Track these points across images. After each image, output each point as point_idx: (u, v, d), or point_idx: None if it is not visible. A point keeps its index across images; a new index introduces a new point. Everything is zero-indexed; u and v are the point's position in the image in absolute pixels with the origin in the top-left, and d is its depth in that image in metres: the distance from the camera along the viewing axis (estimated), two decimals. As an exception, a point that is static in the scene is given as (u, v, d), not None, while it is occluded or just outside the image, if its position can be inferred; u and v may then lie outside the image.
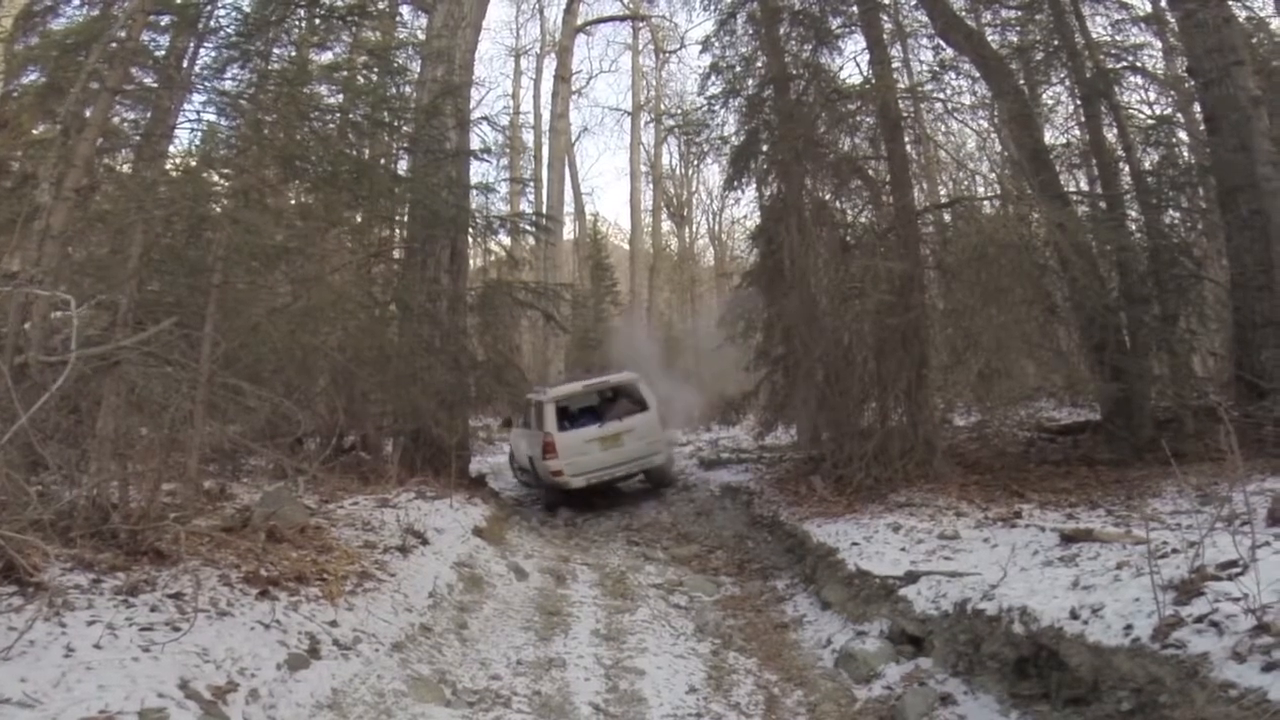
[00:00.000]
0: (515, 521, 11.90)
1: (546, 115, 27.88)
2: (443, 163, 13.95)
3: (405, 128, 14.09)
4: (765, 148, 14.88)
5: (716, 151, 17.72)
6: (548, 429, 12.02)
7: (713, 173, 42.41)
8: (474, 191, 14.14)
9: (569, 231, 33.39)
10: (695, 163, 33.54)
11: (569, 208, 31.73)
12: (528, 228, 14.89)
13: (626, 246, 34.02)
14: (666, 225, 34.80)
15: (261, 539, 6.69)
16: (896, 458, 10.05)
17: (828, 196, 14.02)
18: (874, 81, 12.04)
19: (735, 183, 16.21)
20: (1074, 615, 4.66)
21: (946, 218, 12.43)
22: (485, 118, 14.19)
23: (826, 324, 12.11)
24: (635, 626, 7.15)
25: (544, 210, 26.01)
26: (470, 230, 14.40)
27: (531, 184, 27.49)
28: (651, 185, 32.60)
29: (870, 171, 13.36)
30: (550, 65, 28.86)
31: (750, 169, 15.71)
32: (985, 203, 12.57)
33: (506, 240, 15.41)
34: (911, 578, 6.60)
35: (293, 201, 12.09)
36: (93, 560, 5.20)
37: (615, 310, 31.45)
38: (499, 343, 15.06)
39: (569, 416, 12.34)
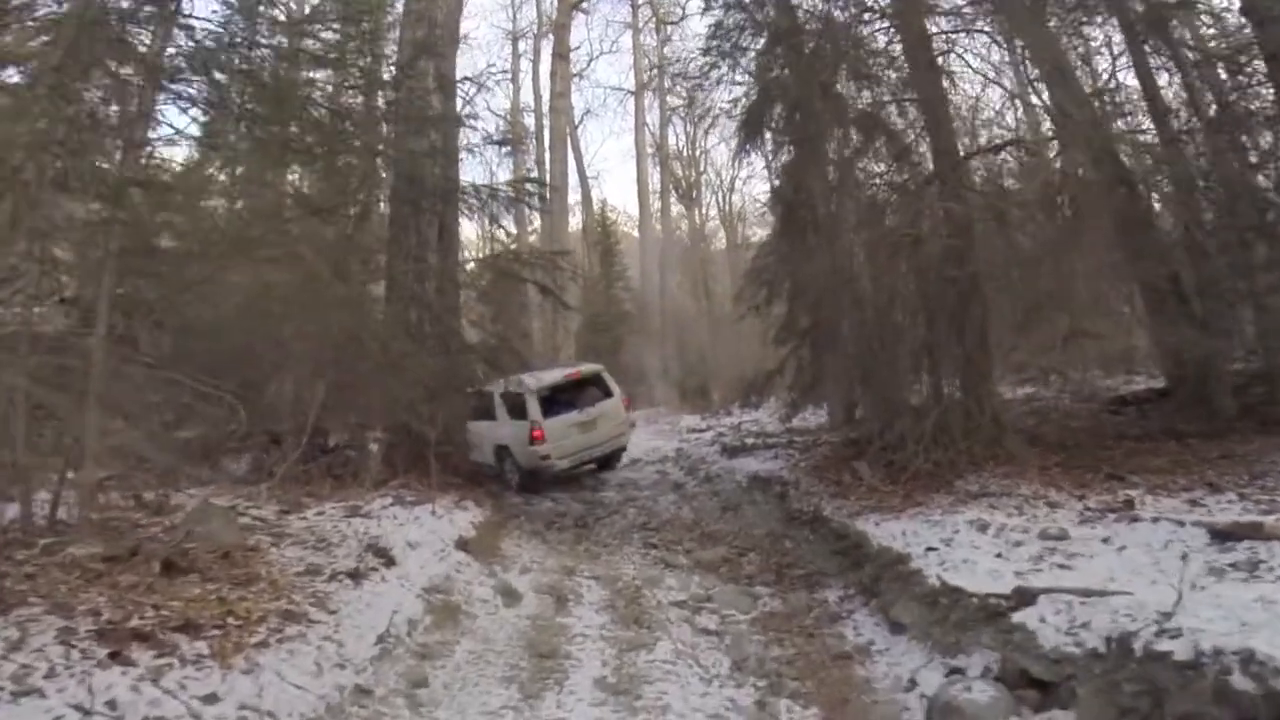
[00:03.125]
0: (515, 526, 10.07)
1: (547, 97, 26.03)
2: (425, 129, 12.12)
3: (381, 93, 12.35)
4: (779, 107, 13.17)
5: (726, 116, 16.23)
6: (534, 417, 12.15)
7: (720, 153, 40.57)
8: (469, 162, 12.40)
9: (575, 219, 31.65)
10: (702, 142, 31.87)
11: (575, 194, 29.97)
12: (527, 198, 12.92)
13: (636, 233, 32.19)
14: (676, 209, 32.98)
15: (155, 570, 4.89)
16: (960, 438, 8.18)
17: (849, 154, 12.39)
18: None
19: (748, 146, 14.62)
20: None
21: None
22: (469, 78, 12.26)
23: (863, 288, 10.32)
24: (653, 670, 5.30)
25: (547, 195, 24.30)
26: (462, 203, 12.52)
27: (534, 168, 25.78)
28: (658, 166, 30.65)
29: (897, 125, 11.63)
30: (548, 46, 27.01)
31: (764, 131, 14.09)
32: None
33: (503, 218, 13.46)
34: (1025, 597, 4.73)
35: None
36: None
37: (626, 295, 29.66)
38: (499, 324, 13.47)
39: (548, 405, 12.41)
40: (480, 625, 5.96)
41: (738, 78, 14.18)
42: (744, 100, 14.17)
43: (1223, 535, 5.09)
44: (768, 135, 14.38)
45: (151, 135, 9.64)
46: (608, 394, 13.24)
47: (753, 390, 13.85)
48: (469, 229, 14.38)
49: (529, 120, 28.47)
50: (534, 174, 23.78)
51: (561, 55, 24.78)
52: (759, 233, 30.69)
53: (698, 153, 32.67)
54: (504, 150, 17.98)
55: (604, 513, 11.05)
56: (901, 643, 5.57)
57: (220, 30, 9.77)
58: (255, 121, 10.15)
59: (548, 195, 14.87)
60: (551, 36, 26.15)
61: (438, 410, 10.10)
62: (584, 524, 10.54)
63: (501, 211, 13.22)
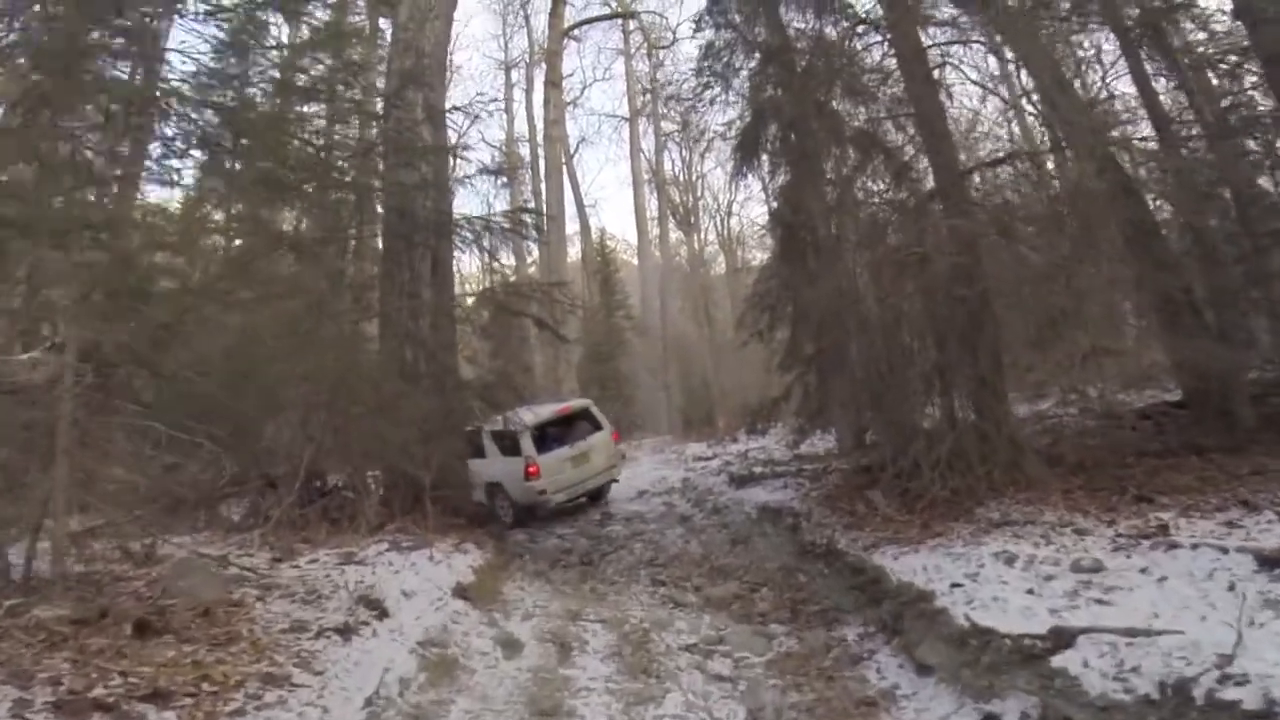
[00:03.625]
0: (518, 567, 9.68)
1: (541, 126, 25.77)
2: (415, 161, 11.87)
3: (372, 125, 12.13)
4: (774, 127, 12.98)
5: (721, 139, 16.08)
6: (528, 453, 12.20)
7: (717, 177, 40.46)
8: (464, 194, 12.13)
9: (574, 249, 31.42)
10: (699, 166, 31.71)
11: (573, 224, 29.79)
12: (523, 229, 12.58)
13: (635, 261, 31.91)
14: (675, 235, 32.69)
15: (126, 633, 4.54)
16: (977, 462, 7.80)
17: (847, 173, 12.20)
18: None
19: (744, 169, 14.40)
20: None
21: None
22: (458, 107, 12.08)
23: (868, 310, 10.02)
24: (664, 726, 4.93)
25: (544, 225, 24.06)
26: (456, 236, 12.24)
27: (530, 198, 25.60)
28: (655, 192, 30.47)
29: (894, 142, 11.44)
30: (541, 75, 26.80)
31: (759, 153, 13.90)
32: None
33: (500, 251, 13.16)
34: (1063, 638, 4.37)
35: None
36: None
37: (628, 324, 29.36)
38: (499, 359, 13.24)
39: (540, 441, 12.50)
40: (478, 681, 5.56)
41: (731, 99, 14.03)
42: (738, 123, 14.02)
43: (1272, 562, 4.71)
44: (764, 157, 14.19)
45: (143, 175, 9.73)
46: (597, 427, 13.40)
47: (759, 417, 13.49)
48: (467, 263, 14.07)
49: (524, 150, 28.43)
50: (530, 204, 23.56)
51: (554, 83, 24.64)
52: (759, 256, 30.63)
53: (694, 177, 32.50)
54: (499, 181, 17.85)
55: (610, 548, 10.67)
56: (929, 686, 5.19)
57: (210, 66, 9.73)
58: (247, 158, 10.03)
59: (544, 225, 14.57)
60: (544, 65, 26.00)
61: (433, 451, 9.74)
62: (589, 561, 10.16)
63: (497, 244, 12.95)
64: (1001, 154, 11.24)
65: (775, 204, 14.27)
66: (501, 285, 12.43)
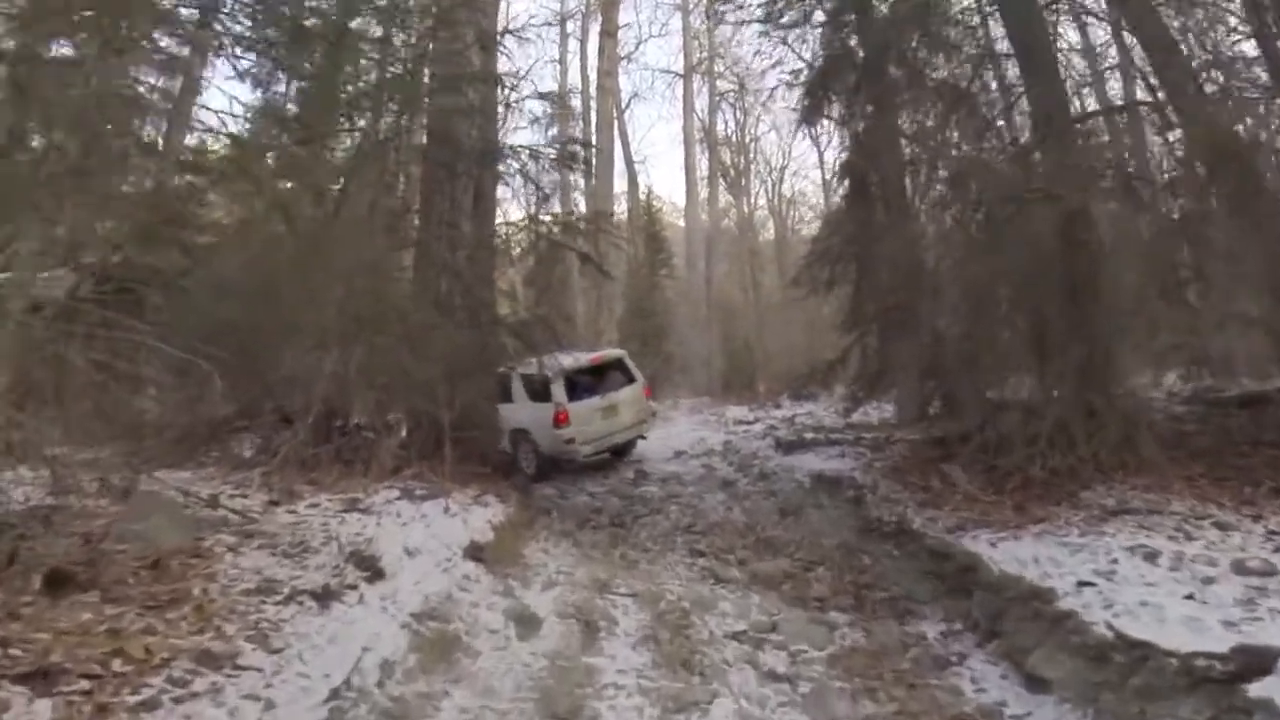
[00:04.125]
0: (544, 525, 8.58)
1: (594, 77, 24.34)
2: (461, 86, 10.69)
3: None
4: (849, 75, 11.93)
5: (787, 86, 14.78)
6: (559, 400, 11.25)
7: (770, 141, 38.92)
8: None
9: (621, 207, 30.18)
10: (753, 129, 30.35)
11: (621, 180, 28.52)
12: (571, 162, 11.31)
13: (682, 223, 30.54)
14: (725, 198, 31.24)
15: (34, 586, 3.47)
16: (1082, 441, 6.52)
17: (931, 123, 11.03)
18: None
19: (811, 117, 13.13)
20: None
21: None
22: (509, 30, 10.76)
23: (947, 268, 8.80)
24: (712, 742, 3.79)
25: (594, 177, 22.82)
26: (501, 166, 11.05)
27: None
28: (706, 152, 29.01)
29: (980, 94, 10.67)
30: (596, 28, 25.36)
31: (828, 101, 12.60)
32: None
33: (546, 185, 11.92)
34: (1257, 660, 3.20)
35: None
36: None
37: (671, 283, 28.25)
38: (543, 301, 12.84)
39: (571, 389, 11.56)
40: (482, 668, 4.43)
41: (802, 42, 12.94)
42: (806, 72, 12.86)
43: None
44: (833, 106, 12.98)
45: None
46: (630, 380, 12.51)
47: (812, 381, 12.26)
48: (513, 211, 12.90)
49: (576, 103, 27.09)
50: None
51: (609, 33, 23.17)
52: (810, 225, 29.52)
53: (748, 140, 31.01)
54: (549, 119, 16.59)
55: (644, 510, 9.54)
56: (1047, 706, 4.07)
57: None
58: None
59: (593, 159, 13.28)
60: (599, 16, 24.57)
61: (459, 390, 8.66)
62: (621, 523, 9.05)
63: (543, 175, 11.74)
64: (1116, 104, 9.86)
65: (849, 153, 13.00)
66: (546, 215, 11.10)
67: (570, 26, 28.21)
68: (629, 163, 28.88)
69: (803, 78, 12.89)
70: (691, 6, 28.06)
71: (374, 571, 4.91)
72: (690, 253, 27.98)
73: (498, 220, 11.45)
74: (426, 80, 10.99)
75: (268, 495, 6.87)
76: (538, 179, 11.25)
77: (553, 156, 10.78)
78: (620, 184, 28.41)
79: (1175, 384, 9.56)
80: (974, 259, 7.82)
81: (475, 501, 7.42)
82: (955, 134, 10.54)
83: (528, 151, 10.92)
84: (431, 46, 10.88)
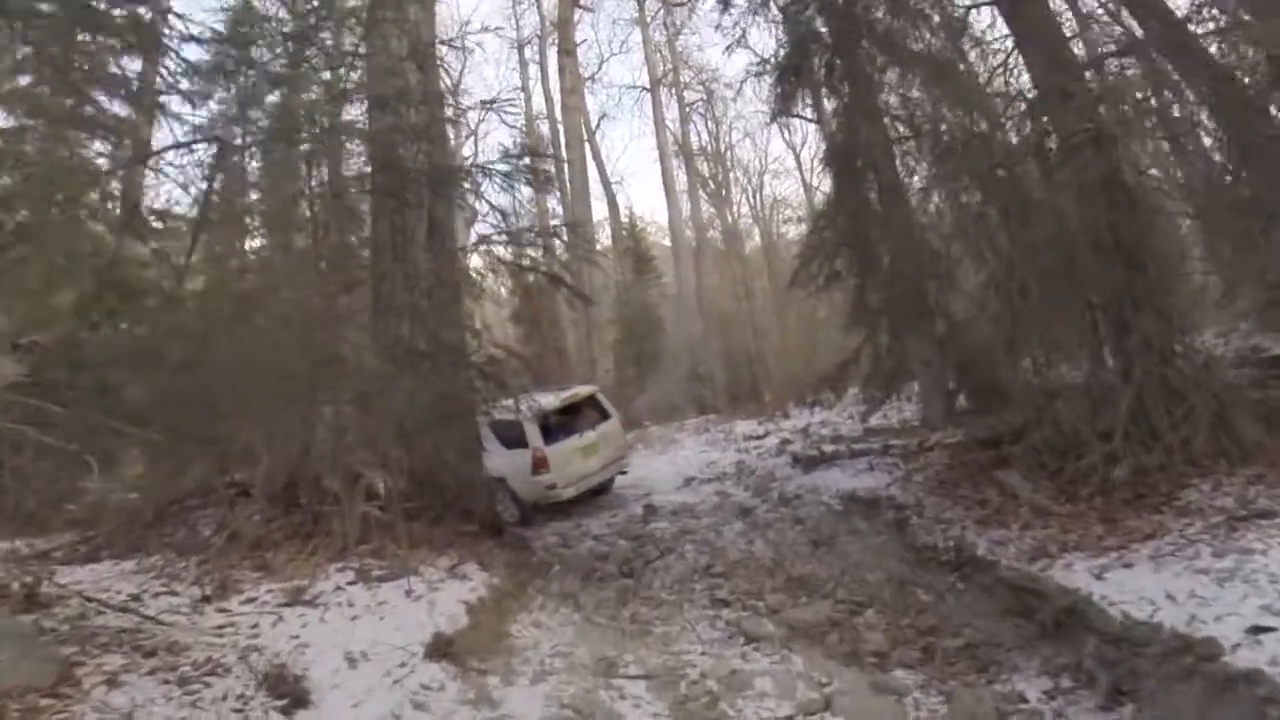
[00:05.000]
0: (540, 588, 7.27)
1: (558, 99, 23.17)
2: (397, 106, 9.51)
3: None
4: (823, 57, 11.08)
5: (755, 78, 14.00)
6: (536, 444, 10.66)
7: (746, 149, 38.08)
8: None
9: (605, 231, 29.20)
10: (727, 137, 29.50)
11: (601, 205, 27.54)
12: (524, 175, 10.04)
13: (668, 242, 29.42)
14: (708, 211, 30.10)
15: None
16: (1166, 428, 5.30)
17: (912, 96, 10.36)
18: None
19: (786, 106, 12.29)
20: None
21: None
22: (444, 40, 9.56)
23: (969, 242, 7.69)
24: None
25: (569, 196, 21.73)
26: (455, 191, 9.84)
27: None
28: (684, 164, 28.02)
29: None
30: (555, 49, 24.24)
31: (800, 88, 11.86)
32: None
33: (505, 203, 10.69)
34: None
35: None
36: None
37: (662, 301, 27.24)
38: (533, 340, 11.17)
39: (546, 431, 10.96)
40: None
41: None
42: (775, 59, 11.87)
43: None
44: (806, 94, 12.04)
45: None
46: (605, 416, 11.93)
47: (823, 386, 11.07)
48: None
49: (544, 129, 26.05)
50: (556, 190, 21.16)
51: (568, 51, 22.02)
52: (797, 228, 28.58)
53: (723, 148, 30.29)
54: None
55: (656, 553, 8.32)
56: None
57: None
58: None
59: (565, 173, 11.92)
60: (556, 36, 23.47)
61: (420, 446, 7.44)
62: (631, 571, 7.83)
63: (502, 196, 10.48)
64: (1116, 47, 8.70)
65: (830, 139, 11.92)
66: (501, 233, 9.80)
67: (529, 53, 27.38)
68: (606, 184, 27.91)
69: (771, 66, 12.04)
70: (650, 19, 27.24)
71: (294, 699, 3.66)
72: (679, 268, 26.93)
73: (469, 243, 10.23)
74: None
75: (201, 589, 5.65)
76: (499, 201, 10.03)
77: (508, 171, 9.53)
78: (600, 209, 27.61)
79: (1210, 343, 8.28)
80: (1003, 229, 6.61)
81: (450, 574, 6.13)
82: (944, 105, 9.50)
83: (480, 170, 9.70)
84: (361, 62, 9.76)
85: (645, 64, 27.14)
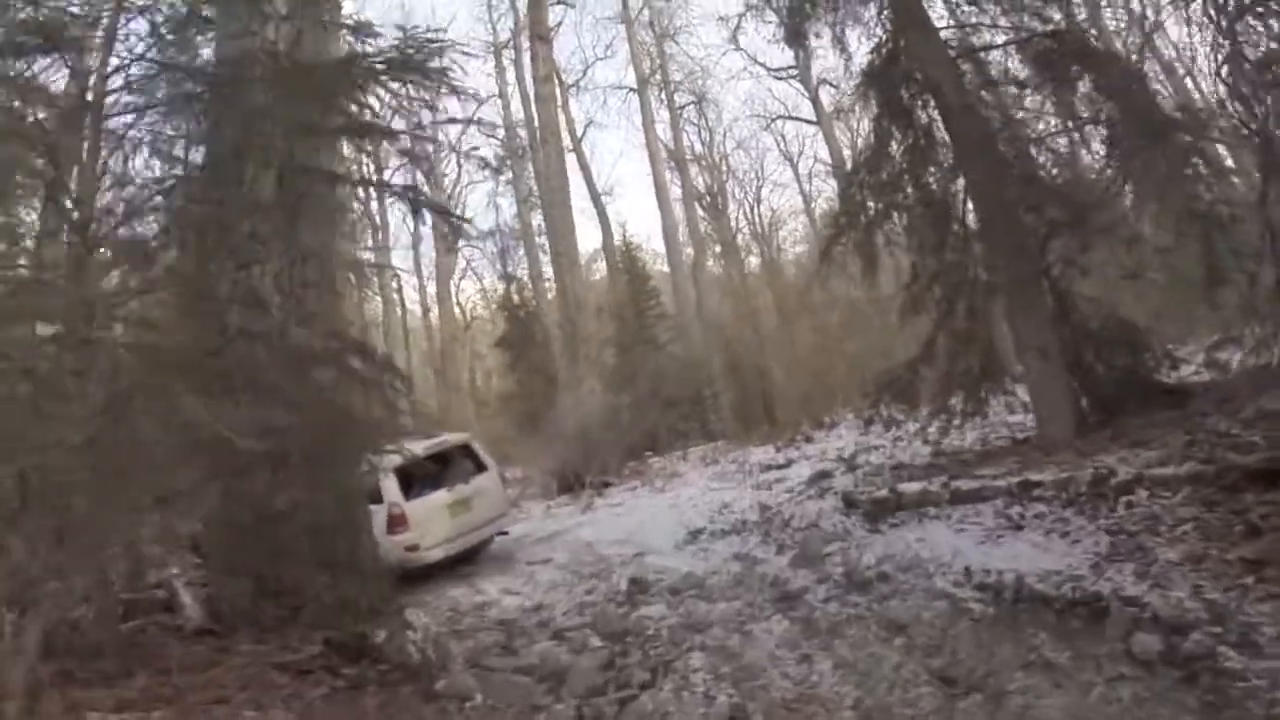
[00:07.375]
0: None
1: (533, 90, 19.92)
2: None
3: None
4: None
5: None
6: (393, 499, 9.07)
7: (740, 159, 35.15)
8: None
9: (596, 245, 26.67)
10: (721, 145, 27.02)
11: (587, 218, 24.74)
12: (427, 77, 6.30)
13: (665, 268, 26.43)
14: (704, 226, 26.99)
15: None
16: None
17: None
18: None
19: (800, 25, 9.46)
20: None
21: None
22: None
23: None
24: None
25: (546, 206, 18.46)
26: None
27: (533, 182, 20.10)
28: (678, 174, 25.25)
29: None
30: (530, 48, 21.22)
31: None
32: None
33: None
34: None
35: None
36: None
37: (661, 321, 24.63)
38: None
39: (409, 484, 9.45)
40: None
41: None
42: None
43: None
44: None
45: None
46: (481, 468, 10.45)
47: (887, 394, 7.56)
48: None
49: (525, 135, 23.00)
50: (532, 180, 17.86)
51: (541, 37, 18.57)
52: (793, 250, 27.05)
53: (717, 157, 27.30)
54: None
55: (644, 672, 4.75)
56: None
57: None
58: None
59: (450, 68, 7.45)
60: (527, 25, 20.22)
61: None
62: (599, 715, 4.26)
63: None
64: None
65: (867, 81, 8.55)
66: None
67: (506, 61, 24.45)
68: (595, 198, 24.94)
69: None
70: (634, 16, 24.47)
71: None
72: (677, 282, 23.94)
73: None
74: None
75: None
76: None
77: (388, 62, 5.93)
78: (596, 238, 25.85)
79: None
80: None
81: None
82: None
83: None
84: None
85: (631, 61, 24.67)
